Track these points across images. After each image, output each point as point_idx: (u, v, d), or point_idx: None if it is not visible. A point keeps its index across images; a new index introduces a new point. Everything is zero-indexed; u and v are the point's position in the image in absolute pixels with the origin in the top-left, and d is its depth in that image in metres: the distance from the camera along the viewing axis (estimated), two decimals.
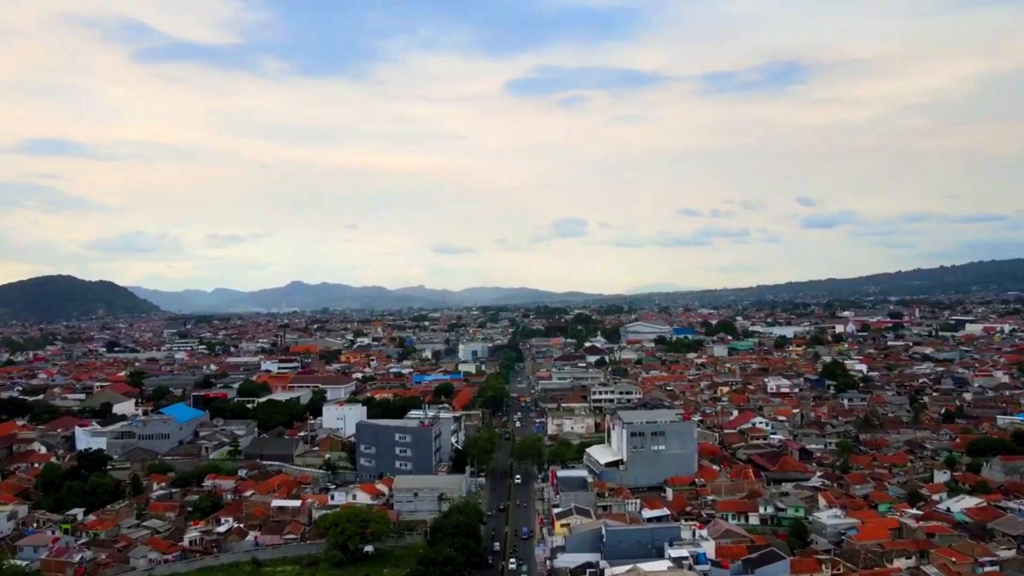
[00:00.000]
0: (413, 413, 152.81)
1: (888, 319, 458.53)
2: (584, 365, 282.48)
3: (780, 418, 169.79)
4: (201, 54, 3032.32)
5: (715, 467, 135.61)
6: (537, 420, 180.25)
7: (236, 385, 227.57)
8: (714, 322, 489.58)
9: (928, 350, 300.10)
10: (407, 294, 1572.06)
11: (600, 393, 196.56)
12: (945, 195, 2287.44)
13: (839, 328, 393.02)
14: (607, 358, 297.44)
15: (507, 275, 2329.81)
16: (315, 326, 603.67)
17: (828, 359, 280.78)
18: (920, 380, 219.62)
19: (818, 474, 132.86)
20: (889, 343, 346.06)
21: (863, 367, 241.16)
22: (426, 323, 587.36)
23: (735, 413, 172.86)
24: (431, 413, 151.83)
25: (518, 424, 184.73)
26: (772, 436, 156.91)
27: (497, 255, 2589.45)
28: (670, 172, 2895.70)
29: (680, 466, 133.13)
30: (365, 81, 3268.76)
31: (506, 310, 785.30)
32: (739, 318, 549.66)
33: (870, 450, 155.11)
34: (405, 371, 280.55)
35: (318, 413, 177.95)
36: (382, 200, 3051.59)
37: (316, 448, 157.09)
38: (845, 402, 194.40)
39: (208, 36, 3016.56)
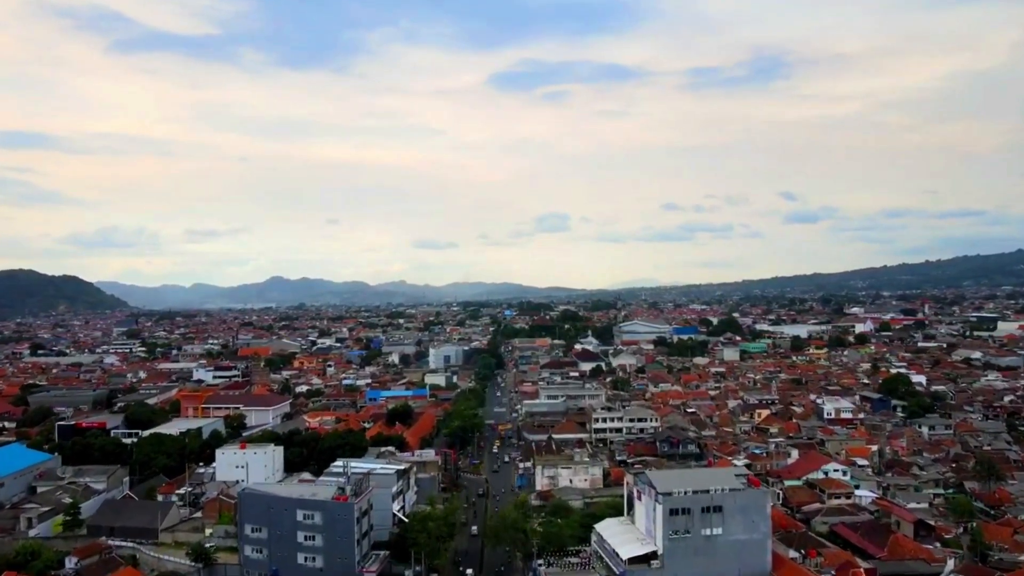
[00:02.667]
0: (337, 465, 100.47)
1: (902, 316, 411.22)
2: (577, 374, 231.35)
3: (859, 462, 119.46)
4: (178, 45, 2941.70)
5: (791, 553, 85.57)
6: (521, 464, 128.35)
7: (158, 400, 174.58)
8: (713, 319, 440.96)
9: (975, 354, 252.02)
10: (388, 290, 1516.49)
11: (605, 421, 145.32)
12: (925, 191, 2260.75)
13: (859, 327, 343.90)
14: (603, 365, 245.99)
15: (489, 270, 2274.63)
16: (282, 324, 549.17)
17: (866, 365, 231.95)
18: (1008, 398, 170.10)
19: (951, 563, 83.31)
20: (919, 344, 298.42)
21: (921, 379, 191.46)
22: (401, 320, 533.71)
23: (794, 454, 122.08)
24: (362, 467, 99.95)
25: (496, 468, 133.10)
26: (858, 493, 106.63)
27: (479, 250, 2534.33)
28: (653, 167, 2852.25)
29: (746, 559, 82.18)
30: (346, 74, 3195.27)
31: (488, 306, 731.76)
32: (735, 315, 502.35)
33: (991, 509, 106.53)
34: (362, 382, 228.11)
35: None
36: (363, 195, 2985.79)
37: (199, 515, 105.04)
38: (925, 431, 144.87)
39: (186, 26, 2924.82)
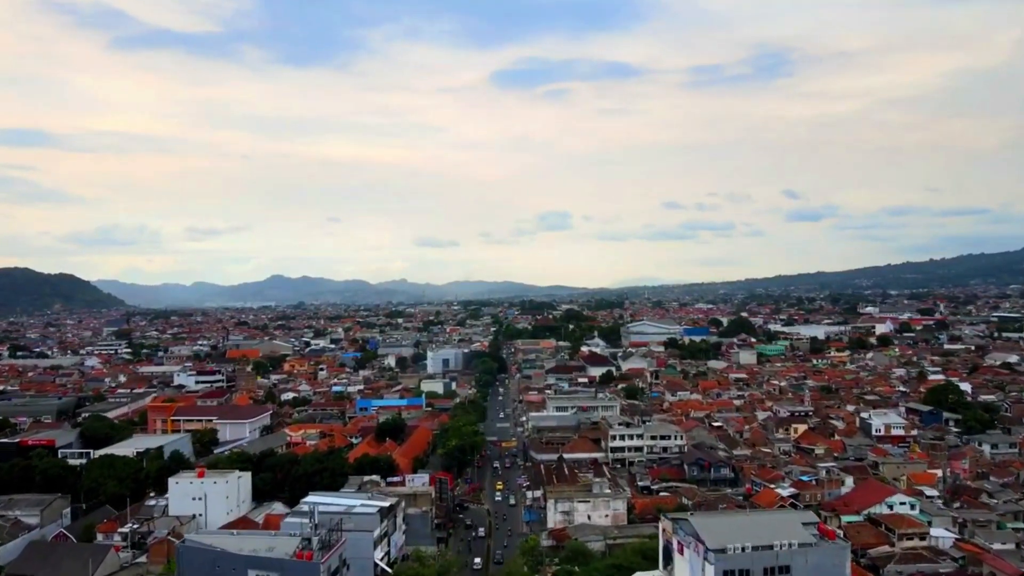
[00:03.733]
0: (308, 501, 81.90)
1: (919, 316, 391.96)
2: (586, 380, 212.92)
3: (927, 492, 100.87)
4: (180, 42, 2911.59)
5: None
6: (529, 493, 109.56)
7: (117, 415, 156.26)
8: (723, 319, 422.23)
9: (1011, 357, 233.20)
10: (389, 288, 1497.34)
11: (623, 439, 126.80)
12: (927, 189, 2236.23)
13: (879, 328, 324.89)
14: (614, 370, 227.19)
15: (491, 269, 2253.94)
16: (278, 323, 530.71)
17: (900, 370, 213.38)
18: None
19: None
20: (945, 346, 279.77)
21: (965, 387, 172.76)
22: (400, 320, 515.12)
23: (848, 482, 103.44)
24: (337, 504, 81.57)
25: (499, 497, 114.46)
26: (933, 533, 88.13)
27: (481, 248, 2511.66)
28: (655, 165, 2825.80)
29: None
30: (348, 71, 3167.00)
31: (489, 305, 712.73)
32: (744, 314, 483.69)
33: None
34: (354, 389, 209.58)
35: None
36: (365, 193, 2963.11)
37: (144, 559, 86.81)
38: (986, 449, 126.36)
39: (187, 23, 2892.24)
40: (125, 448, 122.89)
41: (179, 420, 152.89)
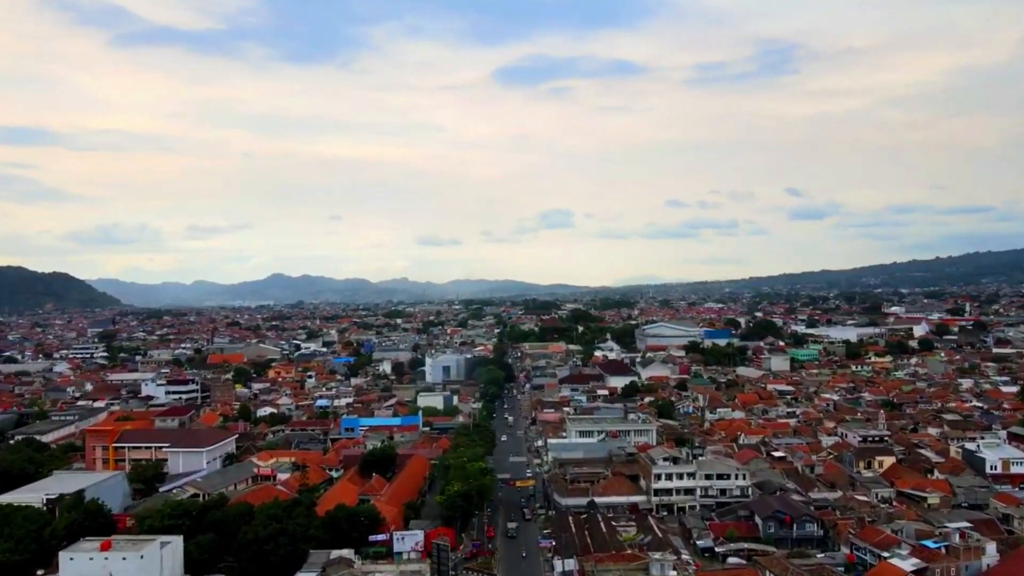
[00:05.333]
0: None
1: (949, 316, 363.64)
2: (606, 392, 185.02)
3: None
4: (181, 39, 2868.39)
5: None
6: (558, 561, 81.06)
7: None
8: (739, 319, 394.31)
9: None
10: (390, 287, 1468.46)
11: (669, 478, 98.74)
12: (931, 186, 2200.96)
13: (917, 330, 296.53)
14: (637, 380, 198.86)
15: (492, 267, 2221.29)
16: (271, 324, 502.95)
17: (966, 382, 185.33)
18: None
19: None
20: (995, 351, 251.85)
21: None
22: (399, 321, 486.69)
23: (990, 550, 75.35)
24: None
25: (512, 537, 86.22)
26: None
27: (483, 247, 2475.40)
28: (658, 163, 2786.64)
29: None
30: (350, 69, 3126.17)
31: (491, 304, 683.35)
32: (759, 314, 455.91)
33: None
34: (341, 402, 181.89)
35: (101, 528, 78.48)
36: (366, 191, 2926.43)
37: None
38: None
39: (188, 21, 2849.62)
40: (33, 493, 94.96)
41: (124, 447, 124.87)
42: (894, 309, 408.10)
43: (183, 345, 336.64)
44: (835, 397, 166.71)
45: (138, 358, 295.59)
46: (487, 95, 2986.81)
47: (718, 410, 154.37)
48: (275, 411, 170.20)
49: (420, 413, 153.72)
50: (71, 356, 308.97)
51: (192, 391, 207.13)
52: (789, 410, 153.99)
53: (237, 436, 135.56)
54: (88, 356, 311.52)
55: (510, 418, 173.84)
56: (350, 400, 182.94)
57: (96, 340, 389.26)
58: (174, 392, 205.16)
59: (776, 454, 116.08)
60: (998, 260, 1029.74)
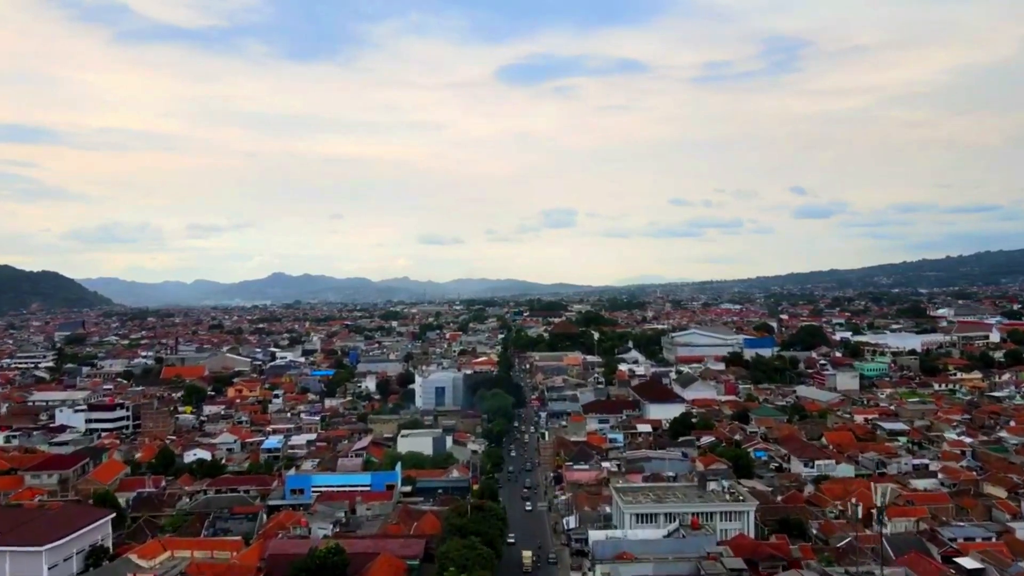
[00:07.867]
0: None
1: (1007, 321, 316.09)
2: (648, 427, 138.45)
3: None
4: (183, 37, 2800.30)
5: None
6: None
7: None
8: (769, 322, 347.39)
9: None
10: (391, 286, 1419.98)
11: None
12: (936, 185, 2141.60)
13: (992, 337, 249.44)
14: (688, 409, 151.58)
15: (495, 266, 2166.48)
16: (259, 325, 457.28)
17: None
18: None
19: None
20: None
21: None
22: (395, 323, 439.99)
23: None
24: None
25: None
26: None
27: (485, 246, 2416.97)
28: (661, 161, 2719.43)
29: None
30: (352, 67, 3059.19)
31: (494, 304, 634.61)
32: (783, 316, 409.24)
33: None
34: (302, 439, 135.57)
35: None
36: (368, 190, 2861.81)
37: None
38: None
39: (191, 18, 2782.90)
40: None
41: None
42: (942, 312, 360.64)
43: (144, 353, 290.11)
44: (966, 439, 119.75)
45: (85, 369, 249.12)
46: (490, 93, 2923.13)
47: (816, 463, 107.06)
48: (206, 456, 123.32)
49: (399, 466, 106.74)
50: (12, 366, 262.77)
51: (121, 418, 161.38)
52: (917, 462, 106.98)
53: (114, 517, 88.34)
54: (33, 365, 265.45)
55: (528, 478, 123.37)
56: (311, 437, 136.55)
57: (56, 345, 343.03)
58: (99, 421, 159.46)
59: (967, 563, 69.27)
60: (1010, 259, 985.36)
